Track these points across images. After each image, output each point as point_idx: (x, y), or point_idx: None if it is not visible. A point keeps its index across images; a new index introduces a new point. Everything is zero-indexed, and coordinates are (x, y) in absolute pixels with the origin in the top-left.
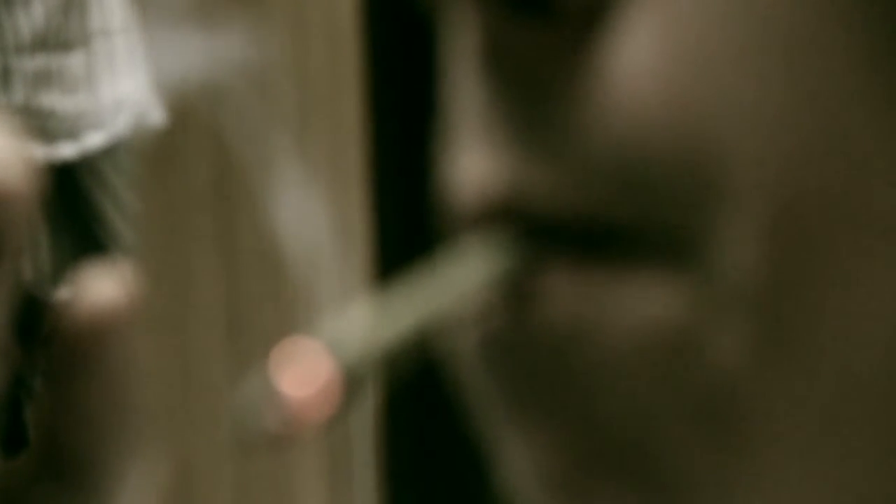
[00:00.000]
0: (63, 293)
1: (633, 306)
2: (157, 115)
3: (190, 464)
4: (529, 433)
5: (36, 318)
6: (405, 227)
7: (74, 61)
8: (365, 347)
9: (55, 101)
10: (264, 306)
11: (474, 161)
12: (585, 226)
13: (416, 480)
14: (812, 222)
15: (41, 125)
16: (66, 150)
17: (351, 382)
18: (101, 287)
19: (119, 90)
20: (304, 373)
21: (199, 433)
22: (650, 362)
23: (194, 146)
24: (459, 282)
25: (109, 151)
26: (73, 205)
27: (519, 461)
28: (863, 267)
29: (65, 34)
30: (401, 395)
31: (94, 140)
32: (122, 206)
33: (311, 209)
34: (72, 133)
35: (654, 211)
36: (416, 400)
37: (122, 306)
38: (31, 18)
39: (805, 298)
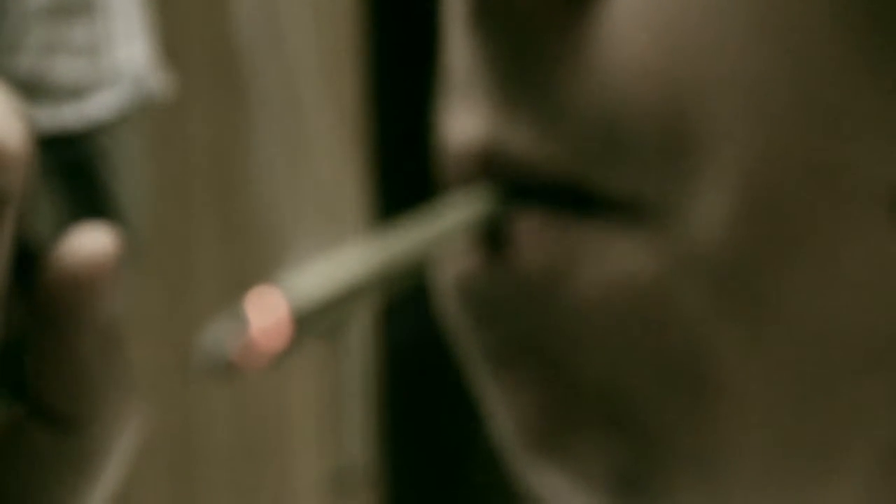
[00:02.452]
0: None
1: (602, 261)
2: (159, 82)
3: (188, 418)
4: (505, 381)
5: (33, 275)
6: (404, 190)
7: (78, 29)
8: (317, 291)
9: (59, 68)
10: (261, 267)
11: (460, 117)
12: (561, 180)
13: (410, 420)
14: (787, 188)
15: (45, 91)
16: (70, 116)
17: (301, 322)
18: (86, 241)
19: (122, 57)
20: (261, 312)
21: (196, 386)
22: (618, 315)
23: (194, 111)
24: (437, 230)
25: (112, 119)
26: (73, 174)
27: (497, 408)
28: (839, 236)
29: (69, 3)
30: (398, 333)
31: (97, 106)
32: (123, 175)
33: (307, 172)
34: (75, 99)
35: (628, 169)
36: (412, 338)
37: (106, 260)
38: None
39: (772, 262)
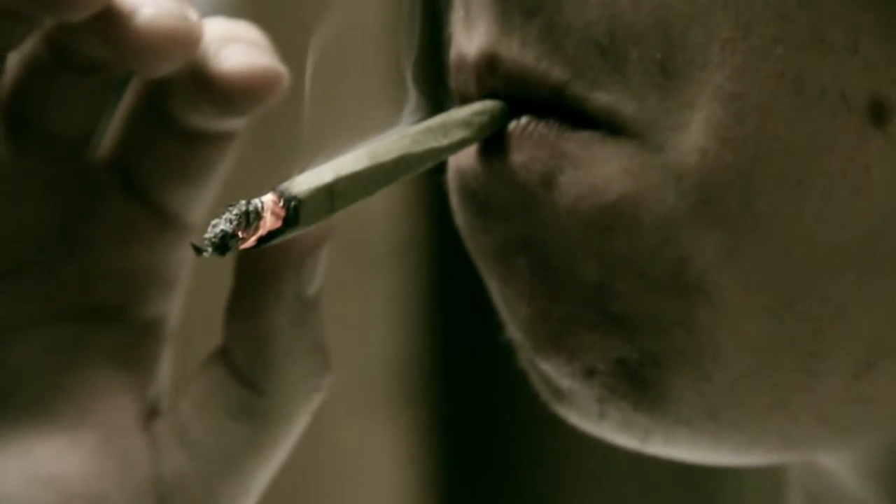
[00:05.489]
0: None
1: (583, 167)
2: None
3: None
4: (502, 281)
5: None
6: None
7: None
8: (310, 182)
9: None
10: None
11: (463, 32)
12: (552, 92)
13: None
14: (767, 105)
15: None
16: None
17: (290, 208)
18: None
19: None
20: (264, 201)
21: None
22: (595, 218)
23: None
24: (433, 133)
25: None
26: None
27: (500, 306)
28: (818, 146)
29: None
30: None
31: None
32: None
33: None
34: None
35: (614, 86)
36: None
37: (316, 241)
38: None
39: (752, 173)
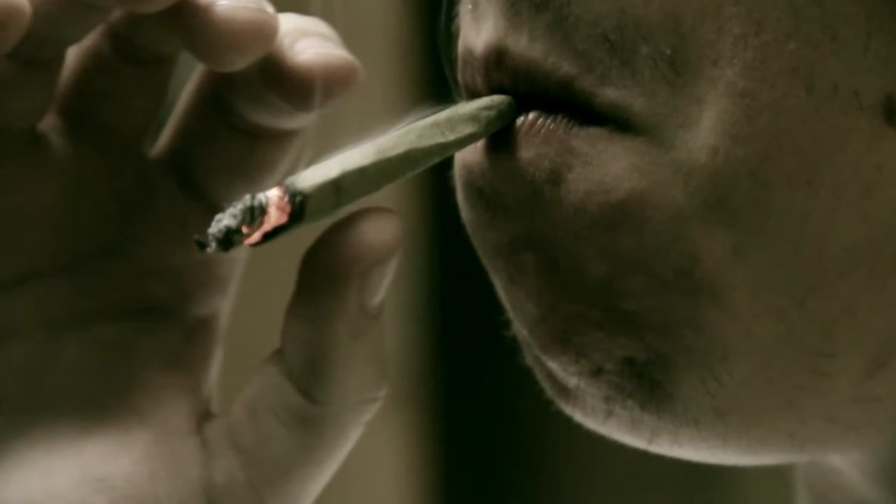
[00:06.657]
0: None
1: (591, 164)
2: None
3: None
4: (509, 279)
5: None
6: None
7: None
8: (315, 178)
9: None
10: None
11: (470, 26)
12: (560, 87)
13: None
14: (779, 102)
15: None
16: None
17: (296, 204)
18: (370, 227)
19: None
20: (269, 196)
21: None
22: (603, 215)
23: None
24: (440, 128)
25: None
26: None
27: (506, 303)
28: (830, 144)
29: None
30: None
31: None
32: None
33: None
34: None
35: (623, 82)
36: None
37: (381, 254)
38: None
39: (763, 171)
